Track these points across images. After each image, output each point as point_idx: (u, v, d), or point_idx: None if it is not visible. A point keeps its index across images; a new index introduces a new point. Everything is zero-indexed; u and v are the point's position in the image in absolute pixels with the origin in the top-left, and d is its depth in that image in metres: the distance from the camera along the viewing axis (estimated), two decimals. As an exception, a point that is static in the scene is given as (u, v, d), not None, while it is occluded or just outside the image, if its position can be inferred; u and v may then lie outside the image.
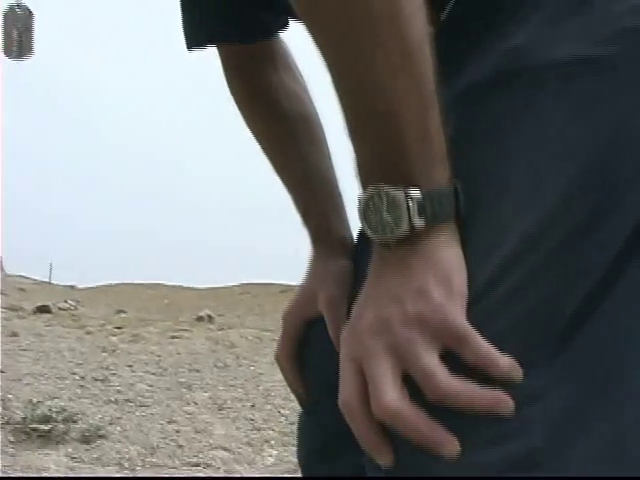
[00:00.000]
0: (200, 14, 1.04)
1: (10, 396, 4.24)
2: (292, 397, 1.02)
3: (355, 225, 0.96)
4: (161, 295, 20.80)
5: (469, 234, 0.65)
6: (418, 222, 0.61)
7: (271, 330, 9.36)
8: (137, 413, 4.28)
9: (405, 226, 0.62)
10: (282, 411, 4.66)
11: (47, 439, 3.41)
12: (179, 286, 23.94)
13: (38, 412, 3.54)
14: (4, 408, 3.66)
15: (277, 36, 1.10)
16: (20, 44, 1.02)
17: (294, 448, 1.01)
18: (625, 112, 0.64)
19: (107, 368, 5.97)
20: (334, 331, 0.89)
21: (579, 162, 0.63)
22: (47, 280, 32.69)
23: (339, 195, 1.07)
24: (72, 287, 28.23)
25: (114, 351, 7.30)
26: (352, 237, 1.03)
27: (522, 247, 0.62)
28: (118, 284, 24.63)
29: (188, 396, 4.99)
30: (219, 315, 14.00)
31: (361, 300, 0.67)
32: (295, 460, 1.03)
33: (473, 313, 0.61)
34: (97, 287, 24.87)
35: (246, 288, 22.53)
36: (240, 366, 6.66)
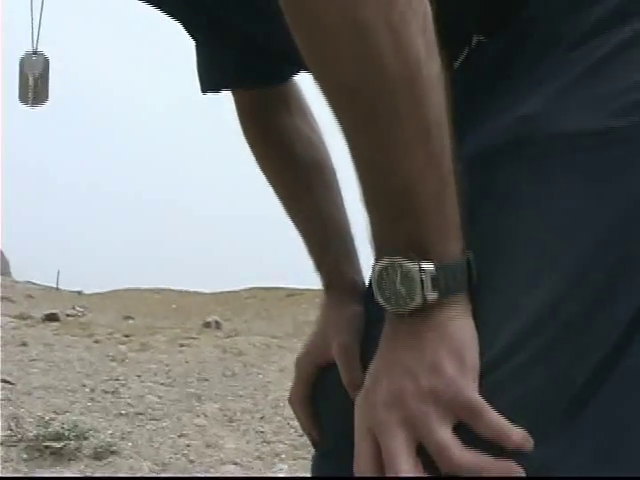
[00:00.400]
0: (214, 58, 1.05)
1: (22, 411, 4.27)
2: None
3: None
4: (168, 300, 20.81)
5: (481, 305, 0.66)
6: (431, 295, 0.63)
7: (279, 337, 9.37)
8: (148, 427, 4.31)
9: (418, 299, 0.63)
10: (292, 423, 4.67)
11: (59, 456, 3.44)
12: (186, 291, 23.92)
13: (50, 430, 3.57)
14: (17, 425, 3.68)
15: (291, 80, 1.11)
16: (35, 91, 1.03)
17: (304, 461, 1.04)
18: (637, 185, 0.65)
19: (117, 379, 5.99)
20: (348, 379, 0.91)
21: (590, 236, 0.64)
22: (55, 286, 32.67)
23: (352, 241, 1.08)
24: (79, 293, 28.21)
25: (123, 360, 7.31)
26: (364, 282, 1.05)
27: (535, 321, 0.63)
28: (125, 289, 24.62)
29: (198, 408, 5.01)
30: (226, 320, 14.02)
31: (374, 370, 0.69)
32: (306, 474, 1.05)
33: (485, 385, 0.63)
34: (104, 293, 24.86)
35: (253, 292, 22.50)
36: (248, 375, 6.66)
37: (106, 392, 5.31)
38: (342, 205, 1.11)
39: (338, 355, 0.95)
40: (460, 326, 0.65)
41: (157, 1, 0.93)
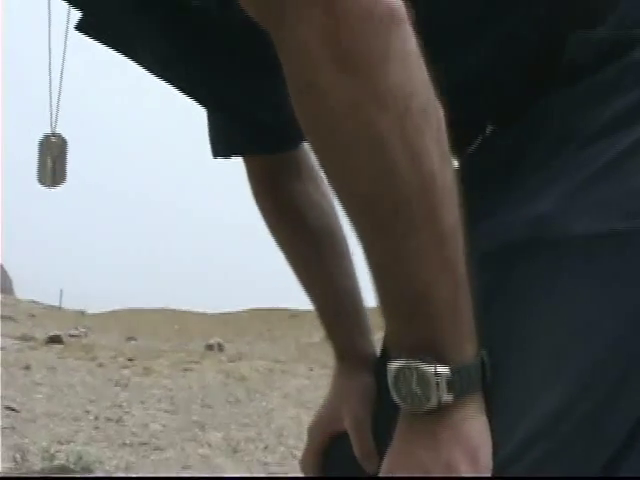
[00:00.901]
0: (224, 126, 1.05)
1: (26, 441, 4.27)
2: (305, 438, 1.04)
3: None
4: (171, 320, 20.79)
5: (495, 402, 0.68)
6: (446, 397, 0.64)
7: (282, 361, 9.37)
8: (152, 457, 4.31)
9: (434, 401, 0.65)
10: (295, 452, 4.66)
11: (65, 489, 3.44)
12: (188, 311, 23.90)
13: (55, 463, 3.57)
14: (22, 458, 3.68)
15: (302, 146, 1.10)
16: (54, 172, 1.05)
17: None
18: None
19: (120, 406, 5.99)
20: (360, 450, 0.93)
21: (602, 340, 0.65)
22: (57, 305, 32.61)
23: (363, 312, 1.09)
24: (82, 313, 28.16)
25: (126, 385, 7.32)
26: (375, 353, 1.06)
27: (547, 420, 0.65)
28: (128, 309, 24.60)
29: (202, 437, 5.01)
30: (228, 342, 13.99)
31: (389, 464, 0.70)
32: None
33: None
34: (107, 312, 24.85)
35: (255, 313, 22.47)
36: (252, 401, 6.66)
37: (110, 420, 5.31)
38: (354, 274, 1.11)
39: (350, 427, 0.96)
40: (474, 426, 0.66)
41: (169, 78, 0.95)
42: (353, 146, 0.60)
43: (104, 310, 26.44)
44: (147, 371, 8.29)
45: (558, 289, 0.69)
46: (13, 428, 4.71)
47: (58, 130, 1.04)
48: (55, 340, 11.45)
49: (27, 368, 8.24)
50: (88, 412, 5.59)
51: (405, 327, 0.66)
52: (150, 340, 14.90)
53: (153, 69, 0.94)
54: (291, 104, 0.65)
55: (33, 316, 24.57)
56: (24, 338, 12.00)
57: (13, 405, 5.65)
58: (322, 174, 0.65)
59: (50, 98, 1.02)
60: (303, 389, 7.42)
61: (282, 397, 6.89)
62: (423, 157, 0.60)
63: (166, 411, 5.96)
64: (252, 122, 1.00)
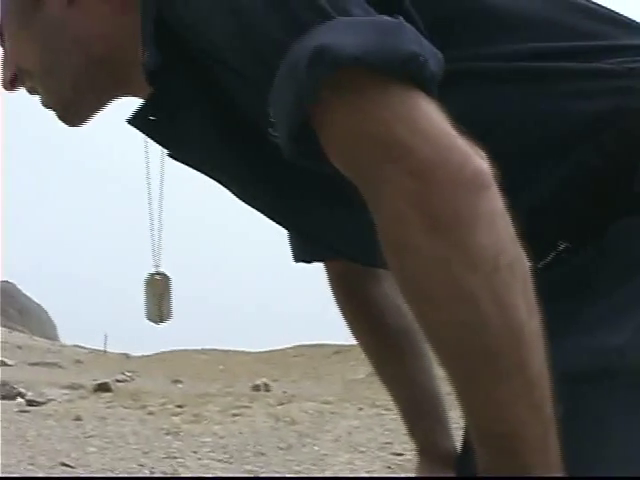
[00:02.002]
0: (301, 235, 1.08)
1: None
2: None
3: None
4: (215, 360, 20.86)
5: None
6: None
7: (330, 402, 9.33)
8: (210, 512, 4.30)
9: None
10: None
11: None
12: (232, 350, 23.97)
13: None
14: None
15: None
16: (160, 310, 1.10)
17: None
18: None
19: (173, 457, 6.00)
20: None
21: None
22: (102, 349, 32.97)
23: (443, 408, 1.12)
24: (127, 356, 28.43)
25: (177, 434, 7.34)
26: (455, 448, 1.07)
27: None
28: (172, 351, 24.73)
29: (257, 488, 5.00)
30: (274, 381, 14.00)
31: None
32: None
33: None
34: (151, 355, 25.02)
35: (299, 350, 22.47)
36: (303, 446, 6.63)
37: (165, 474, 5.32)
38: (432, 371, 1.13)
39: None
40: None
41: (245, 199, 0.98)
42: (444, 302, 0.62)
43: (148, 353, 26.65)
44: (197, 418, 8.32)
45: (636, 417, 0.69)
46: (71, 487, 4.74)
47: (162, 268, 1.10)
48: (103, 388, 11.54)
49: (78, 419, 8.32)
50: (143, 465, 5.61)
51: (495, 461, 0.66)
52: (196, 382, 14.96)
53: (231, 189, 0.97)
54: (364, 234, 0.67)
55: (79, 362, 24.85)
56: (72, 387, 12.13)
57: (67, 461, 5.70)
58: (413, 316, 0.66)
59: (152, 238, 1.06)
60: (353, 431, 7.37)
61: (334, 441, 6.85)
62: (512, 310, 0.62)
63: (219, 460, 5.96)
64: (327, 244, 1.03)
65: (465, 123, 0.65)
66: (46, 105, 0.98)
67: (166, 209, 1.06)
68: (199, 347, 25.54)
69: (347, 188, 0.70)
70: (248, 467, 5.65)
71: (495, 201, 0.63)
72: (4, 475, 4.67)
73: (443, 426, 1.11)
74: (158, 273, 1.09)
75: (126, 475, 5.23)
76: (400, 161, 0.63)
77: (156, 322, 1.08)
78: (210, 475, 5.35)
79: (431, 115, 0.65)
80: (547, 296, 0.71)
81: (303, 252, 1.09)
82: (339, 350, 19.55)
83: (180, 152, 0.96)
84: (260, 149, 0.84)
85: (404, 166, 0.62)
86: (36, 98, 0.98)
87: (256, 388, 12.47)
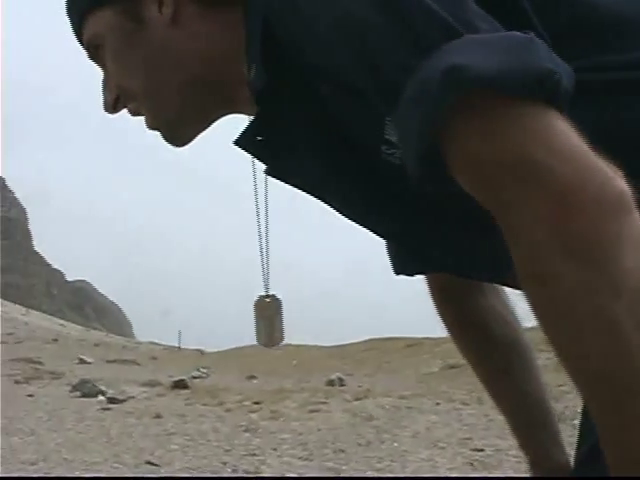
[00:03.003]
0: (405, 249, 1.06)
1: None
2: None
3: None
4: (288, 355, 20.97)
5: None
6: None
7: (406, 397, 9.30)
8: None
9: None
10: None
11: None
12: (304, 345, 24.09)
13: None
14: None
15: None
16: (272, 333, 1.09)
17: None
18: None
19: (254, 454, 6.05)
20: None
21: None
22: (176, 345, 33.56)
23: (554, 420, 1.10)
24: (201, 352, 28.90)
25: (256, 430, 7.40)
26: (568, 461, 1.06)
27: None
28: (245, 346, 25.00)
29: (339, 485, 5.00)
30: (348, 375, 14.01)
31: None
32: None
33: None
34: (225, 351, 25.35)
35: (371, 344, 22.47)
36: (382, 442, 6.60)
37: (248, 472, 5.36)
38: (541, 382, 1.11)
39: None
40: None
41: (357, 220, 0.96)
42: (586, 330, 0.60)
43: (221, 348, 27.02)
44: (275, 414, 8.38)
45: None
46: (158, 486, 4.82)
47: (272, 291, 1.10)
48: (180, 385, 11.74)
49: (158, 416, 8.47)
50: (225, 463, 5.67)
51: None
52: (270, 378, 15.07)
53: (340, 210, 0.96)
54: (480, 251, 0.64)
55: (154, 358, 25.38)
56: (150, 384, 12.36)
57: (152, 459, 5.80)
58: (550, 342, 0.64)
59: (261, 260, 1.06)
60: (432, 427, 7.33)
61: (412, 437, 6.81)
62: None
63: (300, 457, 5.98)
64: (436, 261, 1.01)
65: (593, 140, 0.63)
66: (150, 126, 0.98)
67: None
68: (271, 342, 25.71)
69: (465, 205, 0.68)
70: (329, 464, 5.65)
71: (637, 222, 0.61)
72: (6, 475, 4.77)
73: (555, 439, 1.10)
74: (267, 296, 1.08)
75: (210, 475, 5.30)
76: (538, 184, 0.61)
77: (267, 345, 1.07)
78: (292, 473, 5.37)
79: (567, 134, 0.63)
80: None
81: (404, 265, 1.07)
82: (411, 343, 19.50)
83: (285, 171, 0.95)
84: (367, 166, 0.83)
85: (543, 189, 0.60)
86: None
87: (331, 383, 12.50)
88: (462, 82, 0.62)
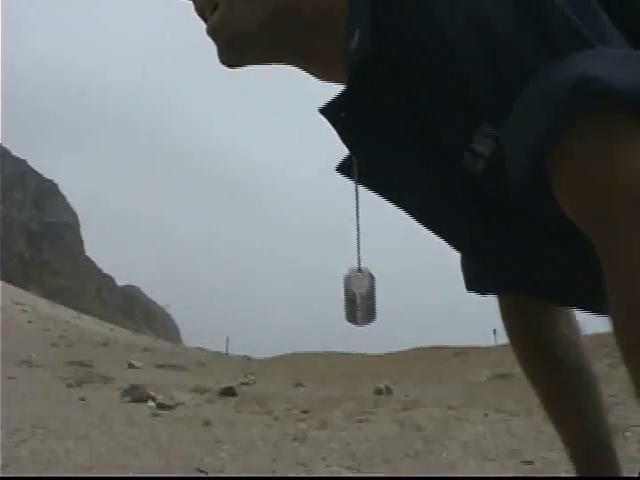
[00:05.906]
0: (481, 265, 1.07)
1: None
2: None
3: None
4: (335, 363, 20.93)
5: None
6: None
7: (455, 407, 9.22)
8: (345, 522, 4.31)
9: None
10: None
11: None
12: (351, 353, 24.01)
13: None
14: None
15: None
16: (363, 309, 1.02)
17: None
18: None
19: (303, 464, 6.05)
20: None
21: None
22: (224, 351, 33.66)
23: (612, 448, 1.09)
24: (248, 358, 28.94)
25: (304, 439, 7.40)
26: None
27: None
28: (292, 354, 25.03)
29: (389, 497, 4.98)
30: (395, 384, 13.94)
31: None
32: None
33: None
34: (272, 358, 25.36)
35: (418, 352, 22.29)
36: (431, 453, 6.55)
37: (297, 483, 5.37)
38: (604, 410, 1.11)
39: None
40: None
41: (435, 230, 0.97)
42: None
43: (269, 355, 27.05)
44: (323, 424, 8.38)
45: None
46: (208, 493, 4.85)
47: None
48: (229, 392, 11.81)
49: (207, 423, 8.51)
50: (274, 471, 5.68)
51: None
52: (318, 386, 15.07)
53: (416, 216, 0.96)
54: (565, 275, 0.65)
55: (202, 364, 25.46)
56: (198, 390, 12.45)
57: (202, 467, 5.83)
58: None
59: (357, 236, 1.02)
60: (480, 438, 7.25)
61: (462, 448, 6.75)
62: None
63: (348, 467, 5.96)
64: (510, 277, 1.01)
65: None
66: (213, 30, 0.93)
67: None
68: (318, 349, 25.73)
69: (551, 223, 0.66)
70: (379, 475, 5.63)
71: None
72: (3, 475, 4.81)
73: (615, 466, 1.09)
74: (360, 270, 1.03)
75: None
76: None
77: (356, 324, 1.01)
78: (341, 483, 5.36)
79: None
80: None
81: (478, 282, 1.07)
82: (459, 352, 19.32)
83: (363, 155, 0.93)
84: (446, 173, 0.82)
85: None
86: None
87: (378, 392, 12.46)
88: (594, 94, 0.60)
